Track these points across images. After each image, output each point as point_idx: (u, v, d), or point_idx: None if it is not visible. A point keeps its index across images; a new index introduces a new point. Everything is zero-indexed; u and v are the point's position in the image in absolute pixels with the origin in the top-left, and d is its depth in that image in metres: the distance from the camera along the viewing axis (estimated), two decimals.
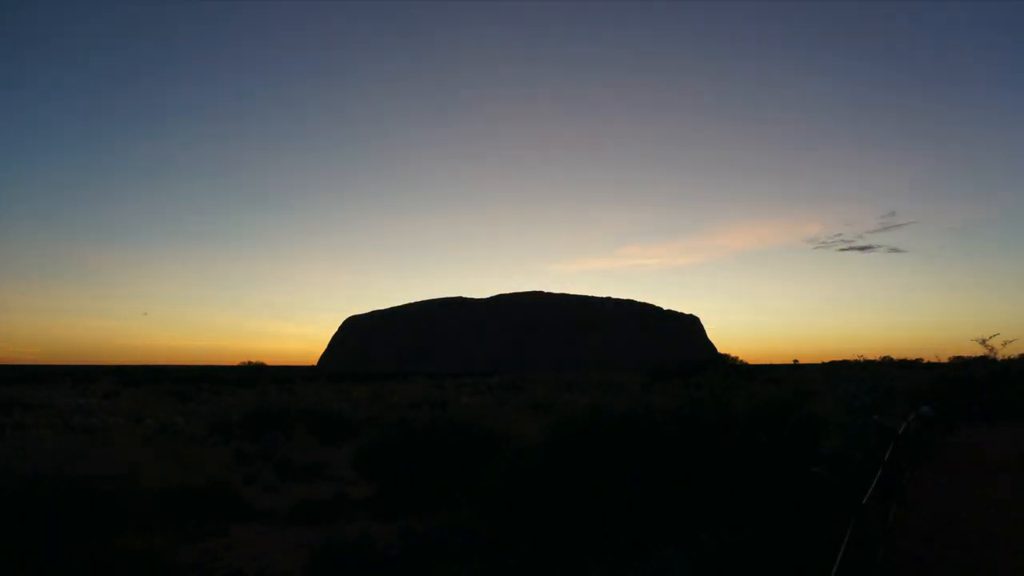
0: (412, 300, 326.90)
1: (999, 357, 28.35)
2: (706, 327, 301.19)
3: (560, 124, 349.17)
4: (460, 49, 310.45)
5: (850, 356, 24.69)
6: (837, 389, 20.42)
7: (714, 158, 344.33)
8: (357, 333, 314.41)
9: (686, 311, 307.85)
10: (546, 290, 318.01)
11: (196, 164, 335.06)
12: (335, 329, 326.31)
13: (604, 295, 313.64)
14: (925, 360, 42.49)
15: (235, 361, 71.05)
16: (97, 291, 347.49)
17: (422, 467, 10.94)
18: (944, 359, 40.24)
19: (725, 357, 62.58)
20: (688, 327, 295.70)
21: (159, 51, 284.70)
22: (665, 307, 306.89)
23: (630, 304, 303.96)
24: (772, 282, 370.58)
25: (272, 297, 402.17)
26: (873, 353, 32.48)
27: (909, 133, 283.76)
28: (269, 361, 74.14)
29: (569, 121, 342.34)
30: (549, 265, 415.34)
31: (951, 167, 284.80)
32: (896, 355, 29.74)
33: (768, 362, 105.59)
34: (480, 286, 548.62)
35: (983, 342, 26.81)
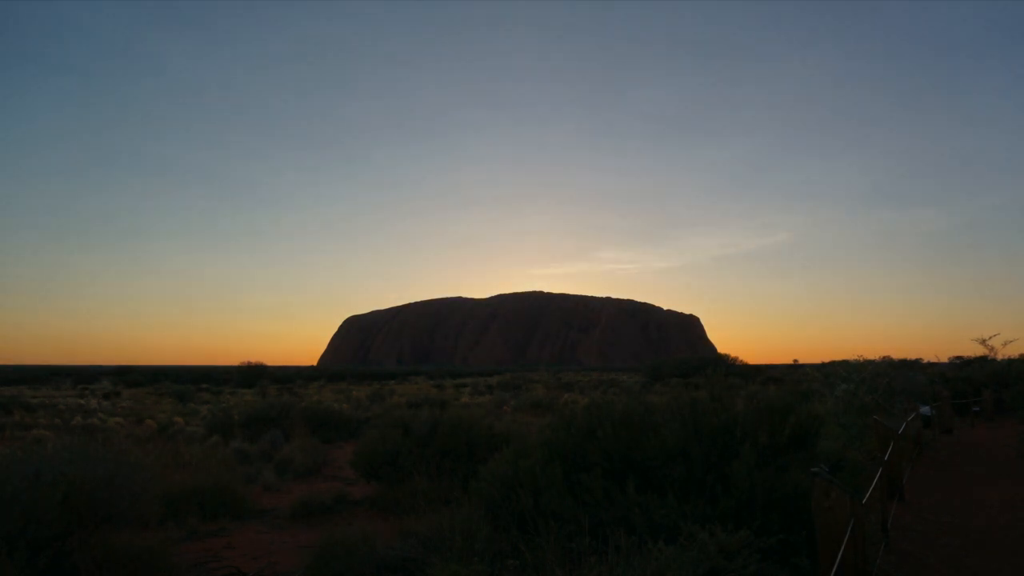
0: (412, 300, 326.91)
1: (999, 357, 28.36)
2: (706, 327, 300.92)
3: (559, 124, 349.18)
4: (462, 53, 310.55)
5: (850, 356, 24.59)
6: (837, 389, 20.39)
7: (715, 159, 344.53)
8: (357, 333, 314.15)
9: (686, 311, 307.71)
10: (546, 290, 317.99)
11: (196, 164, 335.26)
12: (335, 329, 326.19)
13: (604, 295, 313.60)
14: (925, 360, 42.49)
15: (235, 361, 70.99)
16: (97, 291, 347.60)
17: (422, 467, 10.93)
18: (944, 359, 40.30)
19: (725, 357, 62.58)
20: (688, 327, 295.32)
21: (157, 52, 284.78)
22: (665, 307, 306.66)
23: (630, 304, 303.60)
24: (772, 282, 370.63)
25: (272, 297, 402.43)
26: (873, 353, 32.41)
27: (898, 127, 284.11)
28: (269, 361, 74.04)
29: (567, 121, 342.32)
30: (549, 265, 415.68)
31: (949, 166, 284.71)
32: (896, 355, 29.71)
33: (768, 362, 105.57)
34: (480, 286, 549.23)
35: (983, 342, 26.81)
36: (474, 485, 7.26)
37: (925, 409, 18.79)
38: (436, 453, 11.45)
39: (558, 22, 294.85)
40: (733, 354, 63.18)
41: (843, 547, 5.05)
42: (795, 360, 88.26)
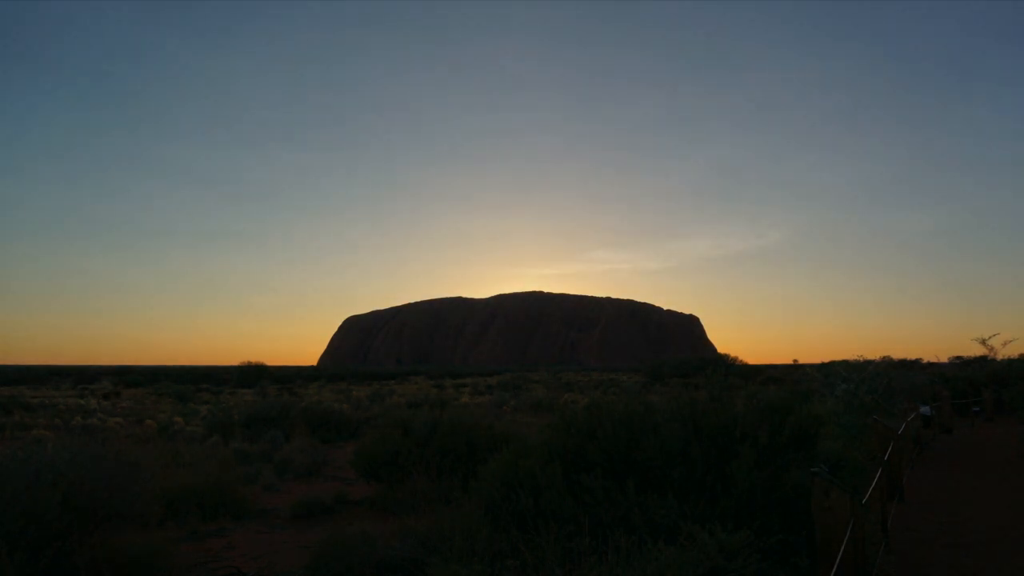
0: (412, 300, 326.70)
1: (999, 357, 28.39)
2: (706, 327, 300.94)
3: (559, 124, 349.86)
4: (461, 54, 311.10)
5: (850, 356, 24.66)
6: (837, 389, 20.40)
7: (714, 158, 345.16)
8: (357, 333, 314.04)
9: (686, 311, 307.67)
10: (546, 290, 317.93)
11: (196, 164, 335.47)
12: (335, 329, 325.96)
13: (604, 295, 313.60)
14: (925, 360, 42.52)
15: (235, 361, 71.10)
16: (97, 291, 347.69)
17: (422, 467, 10.93)
18: (944, 359, 40.34)
19: (725, 357, 62.58)
20: (688, 327, 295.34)
21: (155, 52, 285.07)
22: (665, 307, 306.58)
23: (630, 304, 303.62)
24: (772, 282, 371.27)
25: (272, 297, 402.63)
26: (873, 353, 32.48)
27: (897, 126, 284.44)
28: (269, 361, 74.16)
29: (567, 121, 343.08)
30: (549, 265, 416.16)
31: (948, 165, 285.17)
32: (896, 355, 29.79)
33: (768, 362, 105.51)
34: (480, 286, 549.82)
35: (983, 342, 26.84)
36: (474, 485, 7.26)
37: (925, 409, 18.79)
38: (436, 453, 11.45)
39: (554, 23, 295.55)
40: (733, 354, 63.21)
41: (843, 547, 5.05)
42: (795, 360, 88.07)
